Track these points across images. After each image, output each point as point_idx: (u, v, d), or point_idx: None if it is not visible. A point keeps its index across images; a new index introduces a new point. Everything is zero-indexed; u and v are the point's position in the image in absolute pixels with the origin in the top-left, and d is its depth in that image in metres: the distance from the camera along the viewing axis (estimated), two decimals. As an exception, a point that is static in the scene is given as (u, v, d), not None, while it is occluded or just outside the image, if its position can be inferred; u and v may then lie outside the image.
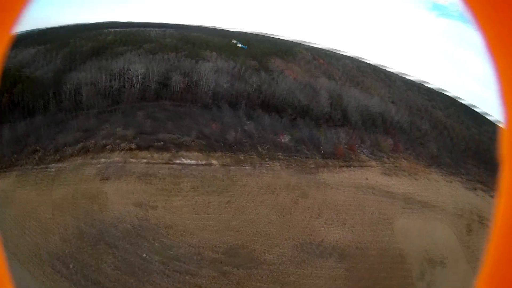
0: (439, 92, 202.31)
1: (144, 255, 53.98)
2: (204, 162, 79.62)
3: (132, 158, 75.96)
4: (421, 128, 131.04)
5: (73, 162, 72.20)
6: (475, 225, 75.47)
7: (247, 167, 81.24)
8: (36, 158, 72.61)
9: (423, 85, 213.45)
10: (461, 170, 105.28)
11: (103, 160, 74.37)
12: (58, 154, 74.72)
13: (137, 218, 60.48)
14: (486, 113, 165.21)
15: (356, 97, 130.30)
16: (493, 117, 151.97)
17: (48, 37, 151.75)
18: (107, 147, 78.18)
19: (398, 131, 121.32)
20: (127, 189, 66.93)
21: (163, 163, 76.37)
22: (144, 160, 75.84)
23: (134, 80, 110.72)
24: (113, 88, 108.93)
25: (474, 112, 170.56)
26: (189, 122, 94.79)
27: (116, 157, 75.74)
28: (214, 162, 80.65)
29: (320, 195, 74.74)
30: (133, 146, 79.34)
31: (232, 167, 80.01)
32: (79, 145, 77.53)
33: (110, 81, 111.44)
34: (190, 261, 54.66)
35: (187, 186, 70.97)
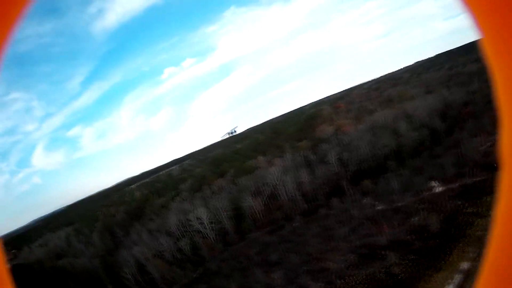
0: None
1: None
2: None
3: None
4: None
5: None
6: None
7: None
8: None
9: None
10: None
11: None
12: None
13: None
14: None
15: (418, 107, 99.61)
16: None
17: (71, 214, 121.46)
18: None
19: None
20: None
21: None
22: None
23: (203, 229, 77.68)
24: (185, 249, 75.41)
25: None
26: (336, 243, 57.86)
27: None
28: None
29: None
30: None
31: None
32: None
33: (175, 242, 78.22)
34: None
35: None
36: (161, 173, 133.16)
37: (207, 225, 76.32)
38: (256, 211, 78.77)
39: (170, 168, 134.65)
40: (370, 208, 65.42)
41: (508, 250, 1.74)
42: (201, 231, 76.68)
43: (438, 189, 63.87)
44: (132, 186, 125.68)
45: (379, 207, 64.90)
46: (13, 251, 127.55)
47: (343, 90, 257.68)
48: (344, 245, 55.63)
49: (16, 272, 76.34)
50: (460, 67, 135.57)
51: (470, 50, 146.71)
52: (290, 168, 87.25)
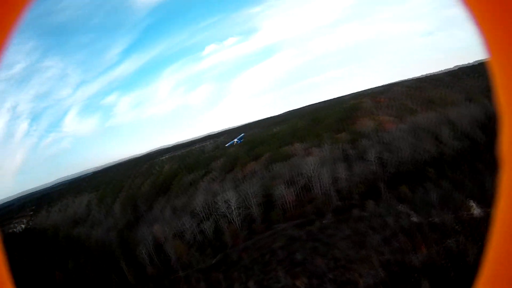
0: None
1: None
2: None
3: None
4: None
5: None
6: None
7: None
8: None
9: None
10: None
11: None
12: None
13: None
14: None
15: (460, 114, 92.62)
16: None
17: (97, 180, 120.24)
18: None
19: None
20: None
21: None
22: None
23: (229, 213, 73.40)
24: (207, 232, 71.46)
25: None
26: (366, 252, 52.54)
27: None
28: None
29: None
30: None
31: None
32: None
33: (198, 224, 74.48)
34: None
35: None
36: (194, 147, 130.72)
37: (234, 209, 72.68)
38: (287, 201, 74.54)
39: (203, 144, 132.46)
40: (405, 218, 60.79)
41: (508, 250, 1.76)
42: (227, 216, 73.24)
43: (477, 210, 58.62)
44: (163, 157, 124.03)
45: (414, 219, 60.26)
46: (31, 213, 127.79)
47: (384, 85, 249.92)
48: (375, 256, 51.60)
49: (28, 236, 75.65)
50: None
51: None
52: (327, 160, 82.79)
